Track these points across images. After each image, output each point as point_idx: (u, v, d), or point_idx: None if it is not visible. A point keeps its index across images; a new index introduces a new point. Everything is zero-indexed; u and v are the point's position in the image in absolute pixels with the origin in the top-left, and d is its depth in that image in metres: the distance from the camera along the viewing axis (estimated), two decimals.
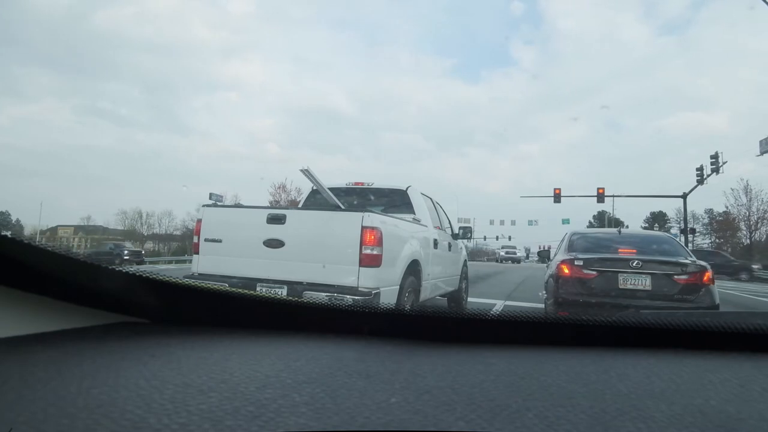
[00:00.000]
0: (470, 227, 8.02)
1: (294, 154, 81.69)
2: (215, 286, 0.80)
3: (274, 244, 4.17)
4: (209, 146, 78.58)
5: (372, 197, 5.96)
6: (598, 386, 0.58)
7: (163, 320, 0.81)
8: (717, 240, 53.76)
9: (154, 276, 0.76)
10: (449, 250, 6.49)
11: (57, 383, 0.53)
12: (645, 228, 52.85)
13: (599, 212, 65.29)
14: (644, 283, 5.08)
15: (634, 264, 5.11)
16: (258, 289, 3.96)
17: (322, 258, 4.03)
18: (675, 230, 44.86)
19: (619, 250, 5.56)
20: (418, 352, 0.71)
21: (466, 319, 0.78)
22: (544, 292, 6.47)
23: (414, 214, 5.55)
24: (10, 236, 0.61)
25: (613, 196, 32.46)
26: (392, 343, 0.75)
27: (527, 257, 76.72)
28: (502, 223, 51.63)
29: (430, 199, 6.31)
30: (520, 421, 0.48)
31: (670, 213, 61.75)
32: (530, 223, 49.71)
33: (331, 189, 5.16)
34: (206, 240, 4.44)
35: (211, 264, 4.39)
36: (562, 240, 6.45)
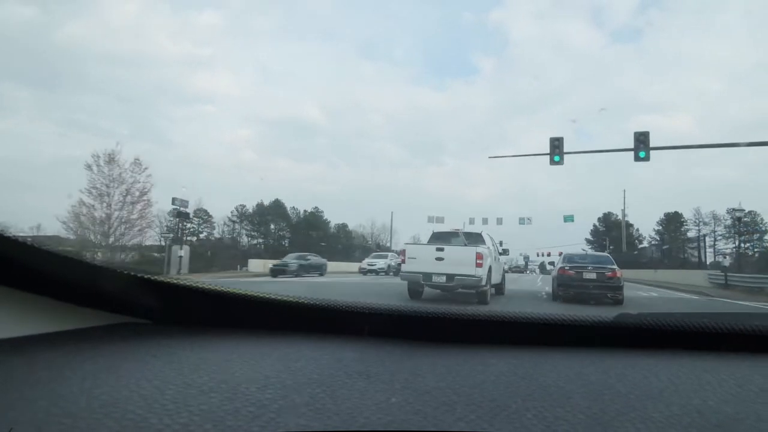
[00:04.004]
0: (507, 249, 15.24)
1: (272, 164, 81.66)
2: (215, 287, 0.80)
3: (440, 259, 9.93)
4: (191, 157, 77.47)
5: (464, 236, 11.59)
6: (597, 387, 0.59)
7: (165, 321, 0.82)
8: (743, 244, 46.71)
9: (155, 277, 0.76)
10: (498, 261, 12.41)
11: (59, 383, 0.53)
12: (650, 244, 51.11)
13: (604, 214, 62.36)
14: (592, 275, 11.33)
15: (588, 267, 11.53)
16: (433, 276, 9.88)
17: (461, 263, 9.69)
18: (692, 233, 42.66)
19: (584, 262, 12.07)
20: (417, 353, 0.72)
21: (465, 320, 0.78)
22: (549, 287, 13.68)
23: (485, 244, 11.07)
24: (11, 237, 0.61)
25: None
26: (392, 343, 0.75)
27: (527, 265, 72.70)
28: (485, 222, 39.79)
29: (489, 236, 12.42)
30: (520, 421, 0.49)
31: (687, 213, 56.19)
32: (522, 221, 41.46)
33: (442, 232, 12.10)
34: (408, 258, 10.19)
35: (411, 267, 10.12)
36: (560, 259, 13.13)
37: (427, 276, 9.81)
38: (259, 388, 0.54)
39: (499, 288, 12.25)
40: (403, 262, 10.16)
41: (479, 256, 9.50)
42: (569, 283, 11.28)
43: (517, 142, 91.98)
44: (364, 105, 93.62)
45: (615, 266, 11.41)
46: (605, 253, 16.46)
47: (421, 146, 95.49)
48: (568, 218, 40.61)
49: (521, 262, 77.93)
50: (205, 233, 55.61)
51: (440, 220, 38.80)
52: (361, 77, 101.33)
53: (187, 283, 0.79)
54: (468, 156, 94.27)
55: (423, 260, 9.89)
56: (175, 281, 0.78)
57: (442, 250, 9.88)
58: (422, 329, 0.79)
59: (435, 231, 12.19)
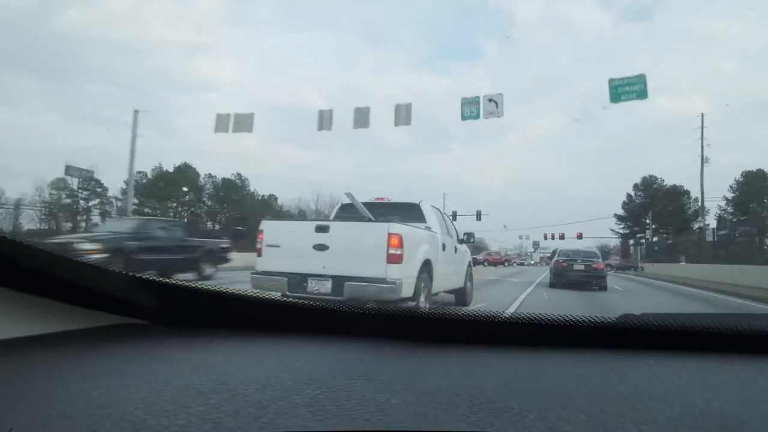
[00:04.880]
0: (473, 233, 8.86)
1: (274, 151, 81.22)
2: (214, 287, 0.80)
3: (321, 247, 5.28)
4: (194, 145, 77.64)
5: (392, 210, 6.98)
6: (599, 387, 0.58)
7: (164, 322, 0.81)
8: None
9: (154, 277, 0.76)
10: (455, 252, 7.60)
11: (57, 385, 0.53)
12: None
13: (644, 179, 46.74)
14: (581, 266, 13.75)
15: (578, 260, 13.96)
16: (309, 282, 5.23)
17: (358, 257, 5.13)
18: None
19: (575, 255, 14.59)
20: (418, 354, 0.71)
21: (466, 320, 0.78)
22: (548, 274, 16.03)
23: (426, 223, 6.64)
24: (9, 237, 0.61)
25: None
26: (392, 344, 0.75)
27: (535, 250, 59.90)
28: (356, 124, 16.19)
29: (439, 210, 7.52)
30: (521, 422, 0.48)
31: None
32: (466, 113, 15.32)
33: (355, 204, 6.56)
34: (267, 245, 5.53)
35: (271, 264, 5.48)
36: (557, 252, 16.70)
37: (298, 280, 5.25)
38: (258, 389, 0.54)
39: (461, 295, 7.94)
40: (258, 254, 5.60)
41: (396, 241, 5.02)
42: (562, 273, 13.91)
43: (524, 128, 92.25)
44: (366, 91, 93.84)
45: (600, 259, 14.60)
46: (593, 249, 18.01)
47: (424, 132, 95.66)
48: (624, 88, 14.88)
49: (531, 249, 62.84)
50: (97, 209, 46.60)
51: (245, 123, 18.17)
52: (364, 63, 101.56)
53: (186, 284, 0.79)
54: (473, 142, 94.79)
55: (292, 250, 5.37)
56: (173, 282, 0.77)
57: (325, 230, 5.29)
58: (423, 330, 0.79)
59: (344, 202, 7.08)
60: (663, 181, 42.71)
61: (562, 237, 47.17)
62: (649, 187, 46.89)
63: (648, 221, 42.93)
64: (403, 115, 17.00)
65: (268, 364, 0.63)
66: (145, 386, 0.53)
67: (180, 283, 0.78)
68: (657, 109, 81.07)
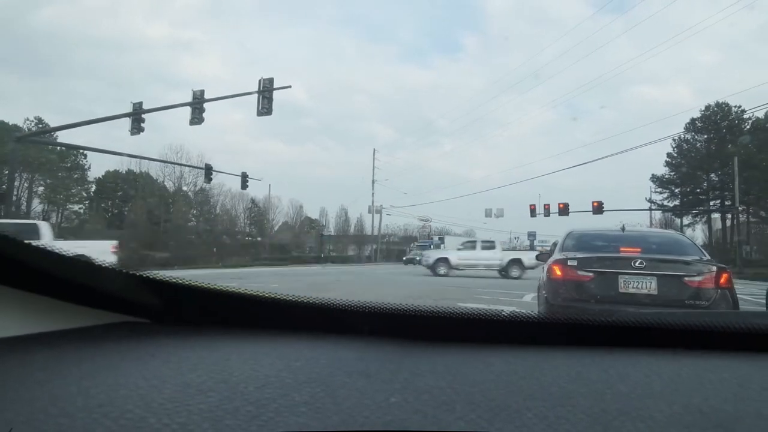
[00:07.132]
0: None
1: (263, 146, 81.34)
2: (215, 286, 0.80)
3: None
4: (183, 142, 77.31)
5: None
6: (598, 386, 0.58)
7: (163, 320, 0.81)
8: None
9: (154, 275, 0.76)
10: None
11: (57, 383, 0.53)
12: None
13: (708, 107, 26.40)
14: (649, 286, 4.44)
15: (636, 263, 4.49)
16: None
17: None
18: None
19: (621, 249, 4.93)
20: (417, 352, 0.71)
21: (465, 319, 0.78)
22: (536, 295, 6.31)
23: None
24: (10, 236, 0.61)
25: None
26: (392, 342, 0.75)
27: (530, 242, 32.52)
28: None
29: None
30: (520, 420, 0.48)
31: None
32: None
33: None
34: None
35: None
36: (567, 237, 5.72)
37: None
38: (258, 387, 0.54)
39: None
40: None
41: None
42: (577, 304, 4.52)
43: (510, 120, 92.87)
44: (352, 85, 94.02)
45: (709, 258, 4.91)
46: (670, 231, 7.98)
47: (410, 127, 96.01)
48: None
49: (525, 242, 39.32)
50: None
51: None
52: (347, 58, 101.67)
53: (187, 282, 0.79)
54: (460, 136, 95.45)
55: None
56: (173, 280, 0.77)
57: None
58: (422, 328, 0.79)
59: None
60: (743, 110, 21.97)
61: (565, 210, 27.35)
62: (721, 120, 24.42)
63: (715, 177, 23.41)
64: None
65: (267, 362, 0.63)
66: (145, 384, 0.53)
67: (180, 281, 0.78)
68: (639, 99, 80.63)
